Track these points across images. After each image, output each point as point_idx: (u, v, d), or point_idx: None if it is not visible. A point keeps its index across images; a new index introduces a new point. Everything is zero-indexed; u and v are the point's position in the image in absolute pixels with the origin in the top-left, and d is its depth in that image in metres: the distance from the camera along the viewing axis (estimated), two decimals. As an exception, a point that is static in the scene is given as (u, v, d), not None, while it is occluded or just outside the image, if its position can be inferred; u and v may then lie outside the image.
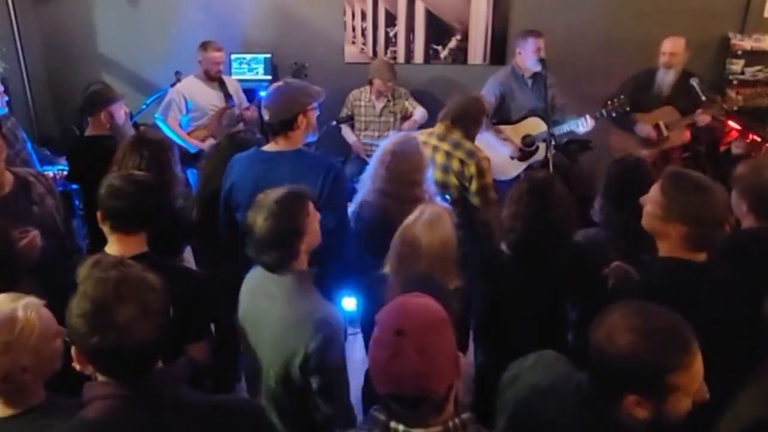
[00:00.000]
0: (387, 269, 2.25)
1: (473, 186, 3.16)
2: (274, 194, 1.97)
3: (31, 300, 1.63)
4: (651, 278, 1.98)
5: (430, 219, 2.19)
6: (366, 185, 2.81)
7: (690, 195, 1.89)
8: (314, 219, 2.03)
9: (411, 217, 2.23)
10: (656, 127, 4.36)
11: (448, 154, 3.19)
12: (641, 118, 4.36)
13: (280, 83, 2.69)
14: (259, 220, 1.93)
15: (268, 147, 2.65)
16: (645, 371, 1.34)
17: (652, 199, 1.99)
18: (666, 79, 4.38)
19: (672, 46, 4.29)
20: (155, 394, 1.37)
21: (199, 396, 1.47)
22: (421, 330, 1.27)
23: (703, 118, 4.25)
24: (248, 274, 2.16)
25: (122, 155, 2.77)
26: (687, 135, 4.39)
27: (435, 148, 3.22)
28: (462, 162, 3.15)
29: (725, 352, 1.81)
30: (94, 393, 1.36)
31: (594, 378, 1.46)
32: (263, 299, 2.03)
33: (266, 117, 2.57)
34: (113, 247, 2.22)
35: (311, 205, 2.03)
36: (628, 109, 4.11)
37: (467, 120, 3.27)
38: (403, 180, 2.69)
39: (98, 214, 2.24)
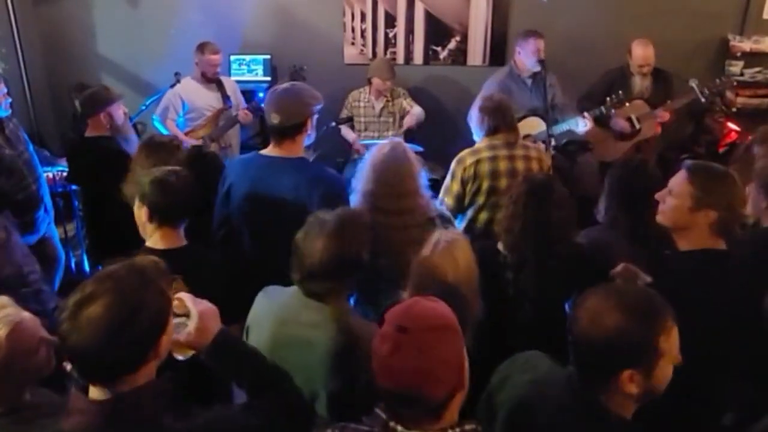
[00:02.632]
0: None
1: None
2: (333, 217, 1.86)
3: (8, 313, 1.61)
4: (685, 270, 2.01)
5: (448, 248, 2.05)
6: (357, 200, 2.63)
7: (720, 183, 1.96)
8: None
9: (426, 249, 2.07)
10: (628, 120, 4.45)
11: (526, 158, 3.15)
12: (614, 113, 4.42)
13: (286, 85, 2.63)
14: (317, 245, 1.80)
15: (269, 151, 2.59)
16: (637, 340, 1.39)
17: (678, 193, 2.01)
18: (644, 84, 4.47)
19: (645, 57, 4.36)
20: (132, 412, 1.34)
21: (177, 420, 1.42)
22: (424, 330, 1.27)
23: (662, 115, 4.36)
24: (264, 299, 2.08)
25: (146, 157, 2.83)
26: (658, 128, 4.46)
27: (511, 158, 3.14)
28: (539, 160, 3.20)
29: (752, 332, 1.86)
30: (74, 405, 1.36)
31: (583, 367, 1.49)
32: (301, 328, 1.91)
33: (275, 120, 2.48)
34: (159, 242, 2.28)
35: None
36: (627, 104, 4.22)
37: (514, 121, 3.28)
38: (393, 192, 2.53)
39: (144, 211, 2.27)
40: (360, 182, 2.62)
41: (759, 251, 2.13)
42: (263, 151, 2.63)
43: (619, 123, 4.47)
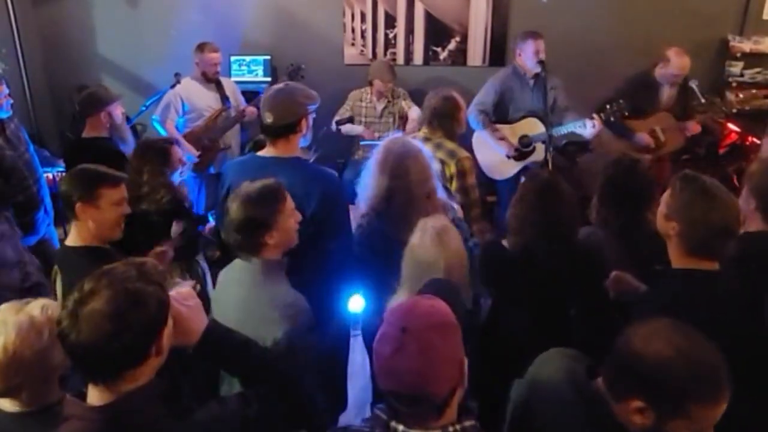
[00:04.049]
0: (402, 293, 2.16)
1: (453, 186, 3.12)
2: (254, 184, 2.03)
3: (45, 301, 1.64)
4: (665, 292, 1.95)
5: (437, 234, 2.12)
6: (367, 193, 2.65)
7: (693, 195, 1.89)
8: (289, 217, 2.05)
9: (415, 237, 2.16)
10: (653, 132, 4.35)
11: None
12: (637, 125, 4.33)
13: (280, 85, 2.63)
14: (233, 204, 1.99)
15: (265, 152, 2.59)
16: (673, 388, 1.32)
17: (663, 198, 2.00)
18: (672, 93, 4.37)
19: (686, 65, 4.22)
20: (131, 415, 1.33)
21: (176, 420, 1.42)
22: (426, 330, 1.28)
23: (695, 127, 4.29)
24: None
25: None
26: (683, 140, 4.38)
27: None
28: (442, 162, 3.10)
29: (741, 362, 1.82)
30: (71, 411, 1.35)
31: (610, 372, 1.44)
32: (231, 284, 2.09)
33: (269, 120, 2.48)
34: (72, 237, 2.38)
35: (287, 204, 2.04)
36: (627, 114, 4.06)
37: (444, 119, 3.26)
38: (407, 184, 2.53)
39: None
40: (369, 177, 2.62)
41: (747, 259, 2.08)
42: (260, 152, 2.63)
43: (643, 139, 4.33)
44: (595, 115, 3.99)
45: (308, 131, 2.61)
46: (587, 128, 4.01)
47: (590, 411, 1.45)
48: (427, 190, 2.55)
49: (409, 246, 2.17)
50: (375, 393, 2.53)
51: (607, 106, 4.05)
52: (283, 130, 2.51)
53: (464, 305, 2.03)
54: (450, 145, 3.23)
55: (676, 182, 1.96)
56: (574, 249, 2.37)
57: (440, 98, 3.29)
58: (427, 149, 2.66)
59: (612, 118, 4.05)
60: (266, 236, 1.98)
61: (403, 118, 4.85)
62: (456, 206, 2.78)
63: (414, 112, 4.77)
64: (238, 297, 2.02)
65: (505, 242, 2.42)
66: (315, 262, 2.33)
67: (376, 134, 4.82)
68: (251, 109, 4.64)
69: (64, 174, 4.03)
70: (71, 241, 2.36)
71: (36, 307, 1.60)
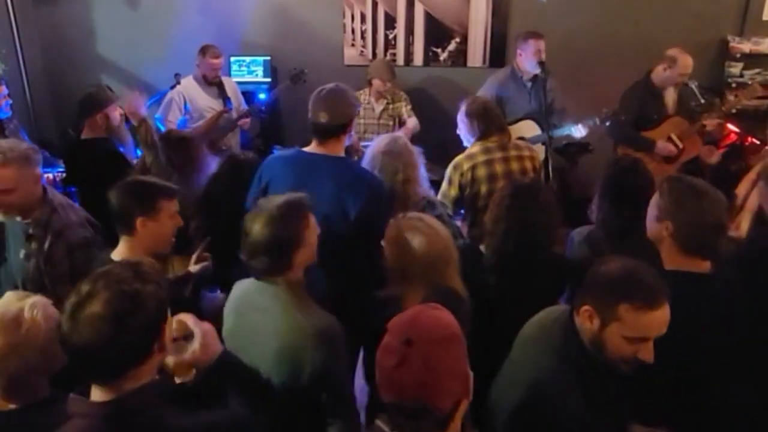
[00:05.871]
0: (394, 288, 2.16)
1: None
2: (275, 200, 1.92)
3: (38, 299, 1.65)
4: None
5: (421, 217, 2.15)
6: None
7: (683, 194, 1.94)
8: (314, 233, 1.96)
9: (391, 230, 2.17)
10: (669, 140, 4.26)
11: (519, 158, 3.18)
12: (652, 136, 4.27)
13: (331, 86, 2.66)
14: (256, 224, 1.86)
15: (312, 149, 2.61)
16: (610, 289, 1.60)
17: (652, 202, 2.04)
18: (674, 96, 4.34)
19: (689, 65, 4.17)
20: (135, 412, 1.33)
21: (180, 418, 1.42)
22: (430, 342, 1.25)
23: (711, 122, 4.19)
24: (232, 293, 2.08)
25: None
26: (701, 142, 4.26)
27: (505, 160, 3.16)
28: (532, 158, 3.22)
29: (736, 361, 1.83)
30: (74, 409, 1.35)
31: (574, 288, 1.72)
32: (253, 313, 1.95)
33: (323, 119, 2.53)
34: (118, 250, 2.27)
35: (312, 218, 1.97)
36: (623, 117, 4.04)
37: (501, 121, 3.29)
38: (395, 179, 2.68)
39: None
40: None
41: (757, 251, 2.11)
42: (306, 149, 2.65)
43: (665, 147, 4.23)
44: (580, 124, 4.05)
45: (353, 131, 2.69)
46: (575, 133, 4.10)
47: (559, 334, 1.69)
48: (408, 191, 2.67)
49: (387, 239, 2.15)
50: (371, 396, 2.52)
51: (604, 111, 4.04)
52: (336, 130, 2.56)
53: (468, 313, 2.01)
54: (520, 142, 3.31)
55: (664, 184, 2.02)
56: (552, 257, 2.35)
57: (487, 103, 3.31)
58: (406, 143, 2.75)
59: (607, 123, 4.03)
60: (295, 254, 1.89)
61: (403, 123, 4.81)
62: (449, 206, 2.80)
63: (411, 122, 4.75)
64: (268, 325, 1.88)
65: (482, 247, 2.41)
66: (358, 264, 2.33)
67: (374, 136, 4.78)
68: (245, 121, 4.66)
69: (64, 174, 4.03)
70: (119, 255, 2.24)
71: (29, 302, 1.61)
